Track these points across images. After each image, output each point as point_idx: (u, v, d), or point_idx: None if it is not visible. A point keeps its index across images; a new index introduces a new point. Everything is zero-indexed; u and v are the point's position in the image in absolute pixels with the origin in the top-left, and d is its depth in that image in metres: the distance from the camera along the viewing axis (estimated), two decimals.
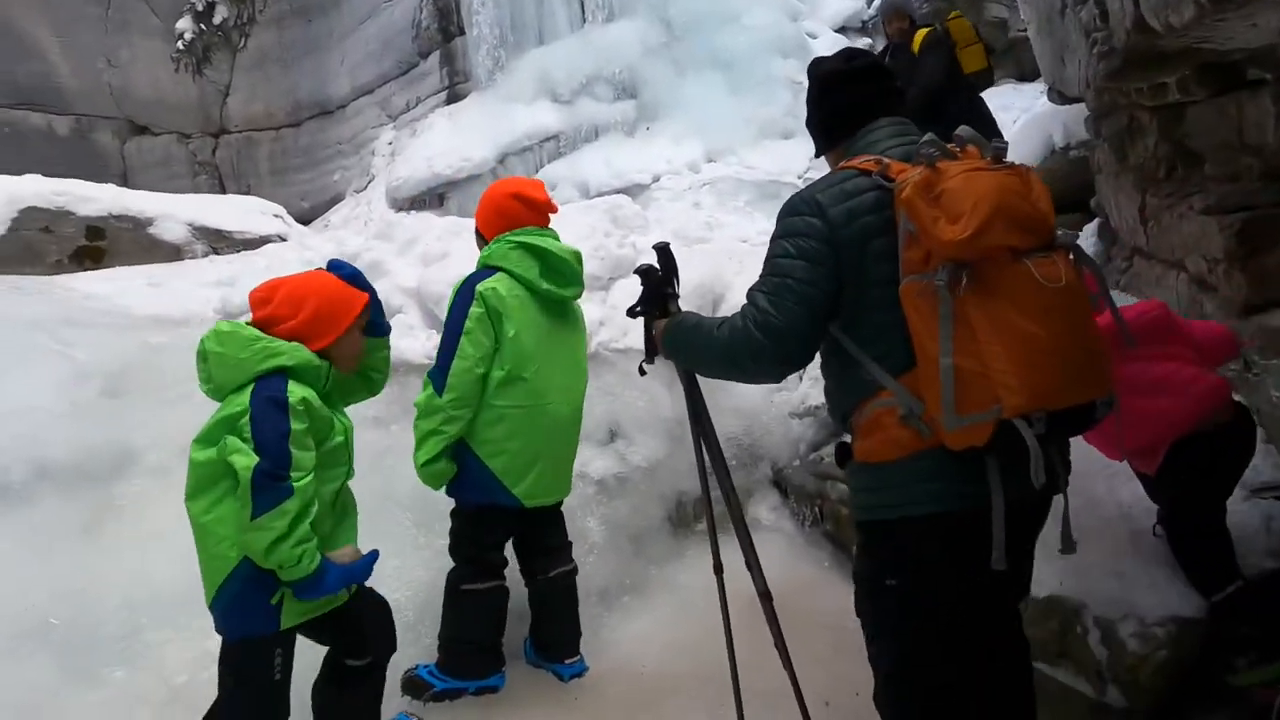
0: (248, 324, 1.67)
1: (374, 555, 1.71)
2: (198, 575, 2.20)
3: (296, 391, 1.57)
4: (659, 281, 1.66)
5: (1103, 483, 2.23)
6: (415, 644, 2.25)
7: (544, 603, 2.29)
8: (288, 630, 1.65)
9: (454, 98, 9.81)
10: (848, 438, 1.46)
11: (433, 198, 8.76)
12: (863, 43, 8.84)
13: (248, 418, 1.55)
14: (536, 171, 8.50)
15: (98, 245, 5.36)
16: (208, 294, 3.61)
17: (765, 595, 1.70)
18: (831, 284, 1.32)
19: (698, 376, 1.74)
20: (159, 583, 2.16)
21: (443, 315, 2.22)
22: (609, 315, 3.85)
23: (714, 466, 1.80)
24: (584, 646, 2.36)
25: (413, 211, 8.05)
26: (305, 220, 9.58)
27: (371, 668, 1.83)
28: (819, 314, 1.34)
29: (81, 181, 5.68)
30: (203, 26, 10.11)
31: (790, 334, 1.34)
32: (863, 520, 1.41)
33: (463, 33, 9.66)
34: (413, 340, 3.29)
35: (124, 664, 2.00)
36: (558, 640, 2.29)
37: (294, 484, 1.53)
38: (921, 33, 4.15)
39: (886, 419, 1.30)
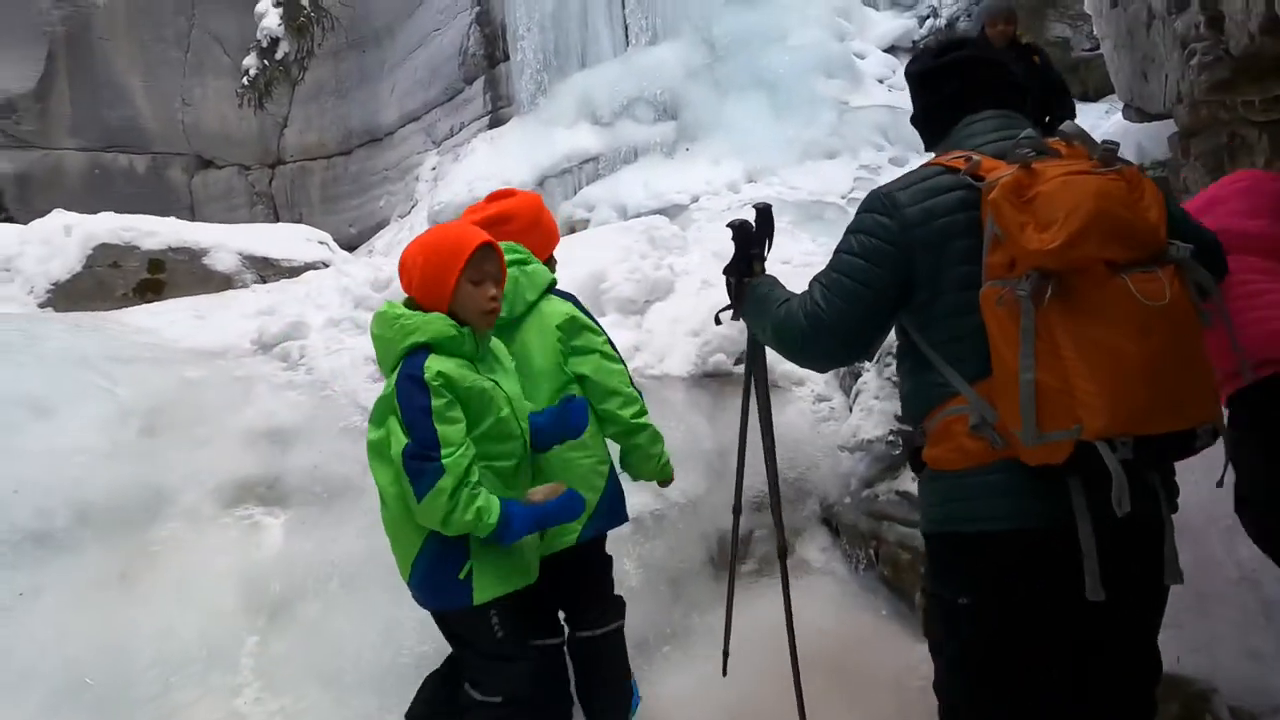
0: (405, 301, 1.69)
1: (569, 494, 1.67)
2: (224, 631, 2.21)
3: (433, 366, 1.55)
4: (748, 240, 1.65)
5: (1219, 540, 1.96)
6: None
7: (578, 664, 2.15)
8: (495, 600, 1.64)
9: (496, 122, 9.99)
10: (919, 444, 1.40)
11: None
12: None
13: (395, 396, 1.56)
14: (575, 194, 8.54)
15: (158, 278, 5.60)
16: (247, 325, 3.65)
17: (783, 554, 1.79)
18: (890, 286, 1.29)
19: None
20: (188, 638, 2.13)
21: None
22: (645, 340, 3.73)
23: (763, 431, 1.85)
24: None
25: None
26: (353, 246, 9.85)
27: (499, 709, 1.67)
28: (870, 314, 1.32)
29: (147, 216, 5.96)
30: (266, 62, 10.60)
31: (836, 331, 1.33)
32: (933, 533, 1.35)
33: (508, 58, 9.86)
34: None
35: None
36: (591, 705, 2.15)
37: (444, 461, 1.50)
38: (1027, 45, 4.01)
39: (957, 427, 1.26)
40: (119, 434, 2.67)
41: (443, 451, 1.51)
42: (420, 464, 1.50)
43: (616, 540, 2.75)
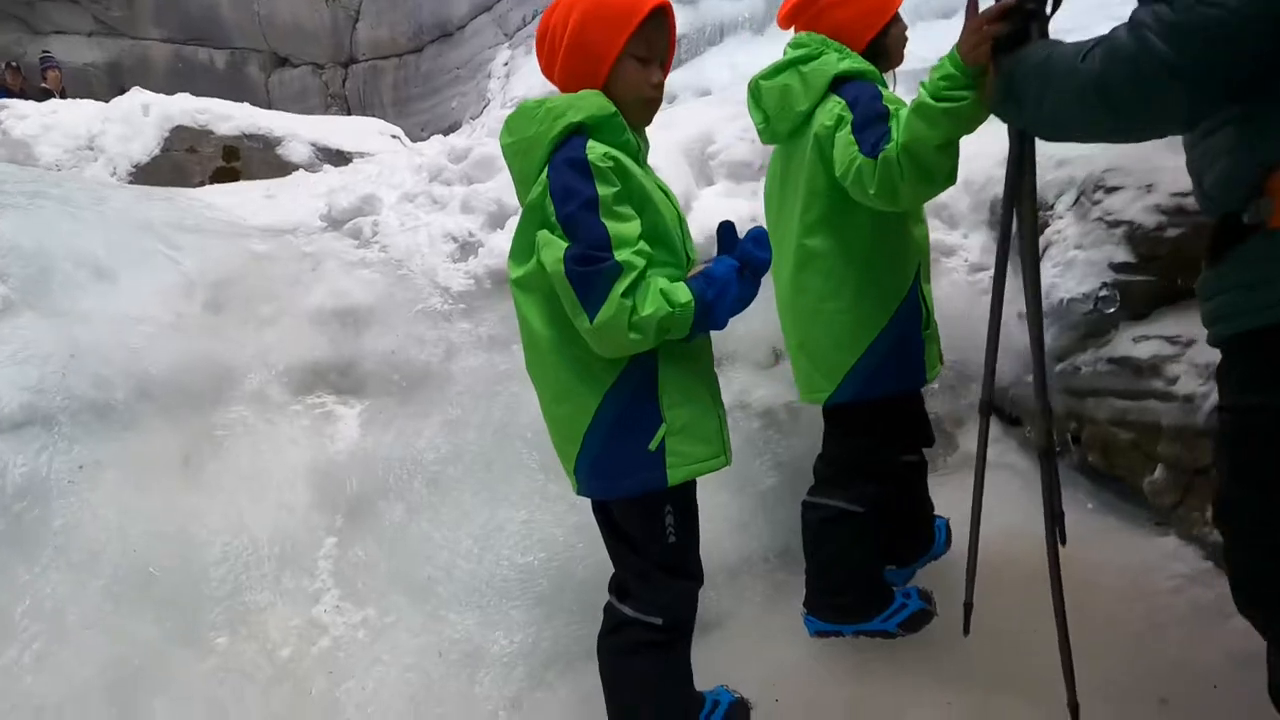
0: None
1: (724, 260, 1.22)
2: (298, 529, 1.93)
3: (597, 148, 1.17)
4: None
5: None
6: (548, 621, 1.81)
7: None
8: (679, 486, 1.26)
9: None
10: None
11: None
12: None
13: (548, 196, 1.16)
14: None
15: (233, 166, 5.53)
16: (317, 204, 3.36)
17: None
18: None
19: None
20: (258, 534, 1.88)
21: None
22: (761, 211, 3.16)
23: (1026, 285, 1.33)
24: (757, 649, 1.82)
25: None
26: None
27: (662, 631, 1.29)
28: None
29: (222, 100, 5.92)
30: None
31: (1232, 33, 0.88)
32: (1263, 326, 0.96)
33: None
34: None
35: (226, 629, 1.73)
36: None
37: (619, 259, 1.13)
38: None
39: None
40: (182, 306, 2.41)
41: (615, 252, 1.12)
42: (588, 268, 1.11)
43: (746, 438, 2.27)
